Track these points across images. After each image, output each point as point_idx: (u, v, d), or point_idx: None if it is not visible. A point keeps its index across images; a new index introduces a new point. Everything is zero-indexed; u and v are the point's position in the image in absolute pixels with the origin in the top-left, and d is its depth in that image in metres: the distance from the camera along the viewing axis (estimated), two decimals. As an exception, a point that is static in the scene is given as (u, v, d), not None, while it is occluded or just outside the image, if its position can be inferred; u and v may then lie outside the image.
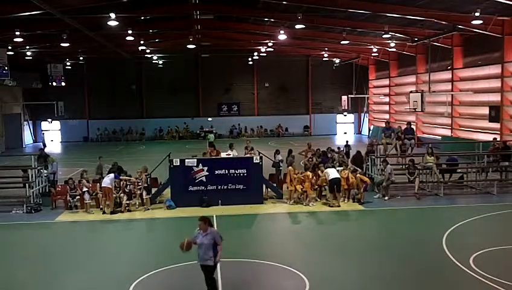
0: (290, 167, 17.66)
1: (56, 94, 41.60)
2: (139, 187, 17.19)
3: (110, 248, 13.04)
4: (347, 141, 25.52)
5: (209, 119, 48.15)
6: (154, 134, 47.30)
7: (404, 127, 24.12)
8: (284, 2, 25.08)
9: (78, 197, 17.14)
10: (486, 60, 28.85)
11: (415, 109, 29.74)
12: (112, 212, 16.51)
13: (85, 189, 17.00)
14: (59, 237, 14.53)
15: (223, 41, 40.11)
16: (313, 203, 17.27)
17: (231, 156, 19.32)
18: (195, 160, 17.68)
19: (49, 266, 11.65)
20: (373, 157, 20.19)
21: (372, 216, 16.21)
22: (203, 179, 17.36)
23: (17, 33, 24.98)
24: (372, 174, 19.70)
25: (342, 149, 22.42)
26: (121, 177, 17.43)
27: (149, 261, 11.54)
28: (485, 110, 27.91)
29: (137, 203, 17.32)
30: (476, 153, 20.66)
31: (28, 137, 45.20)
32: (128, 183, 17.01)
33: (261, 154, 18.64)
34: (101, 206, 16.96)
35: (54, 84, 40.96)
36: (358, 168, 19.10)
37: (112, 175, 17.07)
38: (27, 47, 34.10)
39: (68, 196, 17.18)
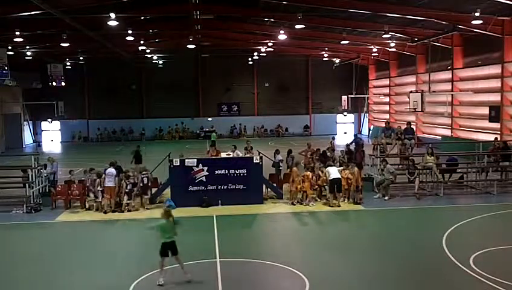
0: (294, 168, 17.63)
1: (56, 94, 41.61)
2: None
3: (110, 248, 13.04)
4: (349, 143, 25.39)
5: (209, 119, 48.18)
6: (154, 134, 47.32)
7: (404, 127, 24.12)
8: (284, 2, 25.09)
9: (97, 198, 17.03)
10: (486, 60, 28.85)
11: (415, 109, 29.75)
12: (112, 212, 16.55)
13: (100, 188, 16.89)
14: (59, 237, 14.53)
15: (223, 41, 40.10)
16: (313, 203, 17.27)
17: (231, 156, 19.32)
18: (195, 160, 17.69)
19: (49, 266, 11.64)
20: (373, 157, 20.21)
21: (372, 216, 16.20)
22: (203, 179, 17.35)
23: (17, 33, 24.99)
24: (372, 174, 19.71)
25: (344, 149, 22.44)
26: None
27: (149, 261, 11.52)
28: (485, 110, 27.90)
29: (141, 201, 17.34)
30: (476, 153, 20.65)
31: (28, 137, 45.20)
32: (128, 183, 16.97)
33: (261, 154, 18.64)
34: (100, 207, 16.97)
35: (54, 84, 40.97)
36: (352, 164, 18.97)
37: (113, 171, 16.90)
38: (27, 47, 34.10)
39: (89, 196, 17.07)
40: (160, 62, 45.87)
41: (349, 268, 11.10)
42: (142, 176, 17.35)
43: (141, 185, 17.20)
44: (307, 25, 28.02)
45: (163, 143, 42.79)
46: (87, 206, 17.13)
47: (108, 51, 37.63)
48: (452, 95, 31.25)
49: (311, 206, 17.00)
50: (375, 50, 37.98)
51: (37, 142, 40.56)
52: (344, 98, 42.88)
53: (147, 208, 17.15)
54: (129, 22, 27.33)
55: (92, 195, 16.97)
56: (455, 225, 14.12)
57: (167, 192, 17.82)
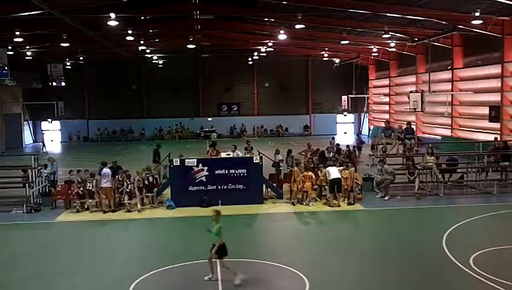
0: (295, 168, 17.63)
1: (56, 94, 41.64)
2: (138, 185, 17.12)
3: (110, 248, 13.05)
4: (356, 141, 25.55)
5: (209, 119, 48.19)
6: (154, 134, 47.30)
7: (404, 127, 24.12)
8: (284, 2, 25.06)
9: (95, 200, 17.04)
10: (486, 60, 28.84)
11: (415, 109, 29.75)
12: (112, 211, 16.55)
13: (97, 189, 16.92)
14: (59, 237, 14.53)
15: (223, 41, 40.08)
16: (313, 203, 17.27)
17: (231, 156, 19.31)
18: (195, 160, 17.69)
19: (49, 266, 11.65)
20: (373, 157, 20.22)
21: (372, 216, 16.21)
22: (203, 179, 17.36)
23: (17, 33, 24.97)
24: (372, 174, 19.71)
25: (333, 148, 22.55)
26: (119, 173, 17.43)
27: (149, 261, 11.54)
28: (485, 110, 27.89)
29: (138, 203, 17.33)
30: (476, 153, 20.65)
31: (28, 137, 45.20)
32: (128, 183, 16.96)
33: (261, 154, 18.63)
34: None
35: (54, 84, 40.96)
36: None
37: (108, 172, 16.91)
38: (27, 47, 34.09)
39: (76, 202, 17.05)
40: (160, 62, 45.87)
41: (349, 268, 11.11)
42: (147, 175, 17.37)
43: (146, 183, 17.25)
44: (307, 25, 28.01)
45: (163, 143, 42.48)
46: (85, 206, 17.12)
47: (108, 51, 37.61)
48: (452, 95, 31.24)
49: (311, 206, 17.00)
50: (375, 50, 37.97)
51: (42, 142, 40.36)
52: (344, 98, 42.89)
53: (152, 205, 17.25)
54: (129, 22, 27.33)
55: (78, 201, 16.95)
56: (455, 225, 14.13)
57: (167, 192, 17.83)
